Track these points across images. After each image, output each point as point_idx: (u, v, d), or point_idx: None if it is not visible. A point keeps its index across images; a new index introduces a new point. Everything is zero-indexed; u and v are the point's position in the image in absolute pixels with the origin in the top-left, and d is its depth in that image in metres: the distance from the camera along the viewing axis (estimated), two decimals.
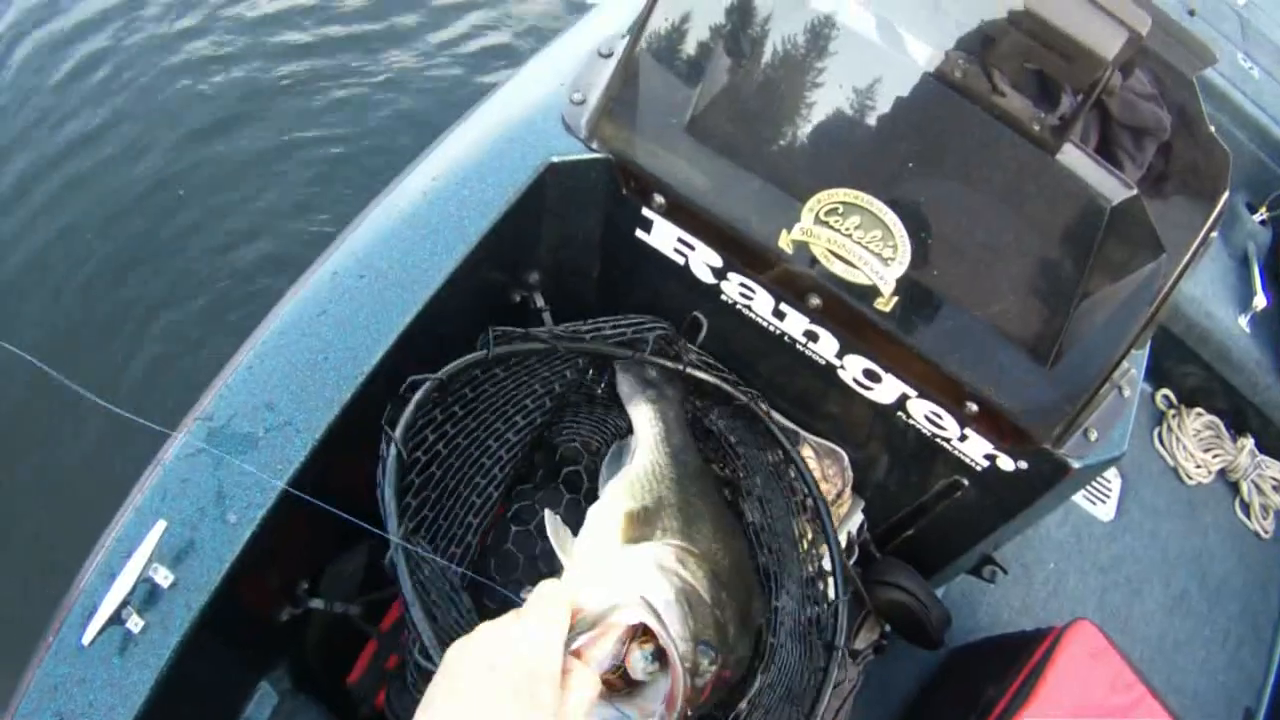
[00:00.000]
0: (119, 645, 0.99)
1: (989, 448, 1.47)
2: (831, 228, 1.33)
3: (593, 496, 1.32)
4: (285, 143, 4.00)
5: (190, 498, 1.06)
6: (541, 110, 1.49)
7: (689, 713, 0.92)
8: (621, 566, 1.00)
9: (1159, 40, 1.38)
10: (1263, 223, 3.47)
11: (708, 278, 1.49)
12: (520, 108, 1.51)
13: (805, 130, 1.40)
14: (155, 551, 1.02)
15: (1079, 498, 2.98)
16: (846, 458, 1.69)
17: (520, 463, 1.38)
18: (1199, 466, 3.21)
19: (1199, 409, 3.33)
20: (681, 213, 1.42)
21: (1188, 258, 1.24)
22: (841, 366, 1.49)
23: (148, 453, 1.11)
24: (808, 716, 1.21)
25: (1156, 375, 3.39)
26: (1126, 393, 1.54)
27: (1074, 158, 1.34)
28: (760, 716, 1.16)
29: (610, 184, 1.46)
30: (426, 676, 0.97)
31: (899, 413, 1.51)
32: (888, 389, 1.47)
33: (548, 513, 1.05)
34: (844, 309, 1.38)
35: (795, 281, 1.39)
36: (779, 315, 1.47)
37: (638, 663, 0.88)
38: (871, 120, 1.39)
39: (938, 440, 1.52)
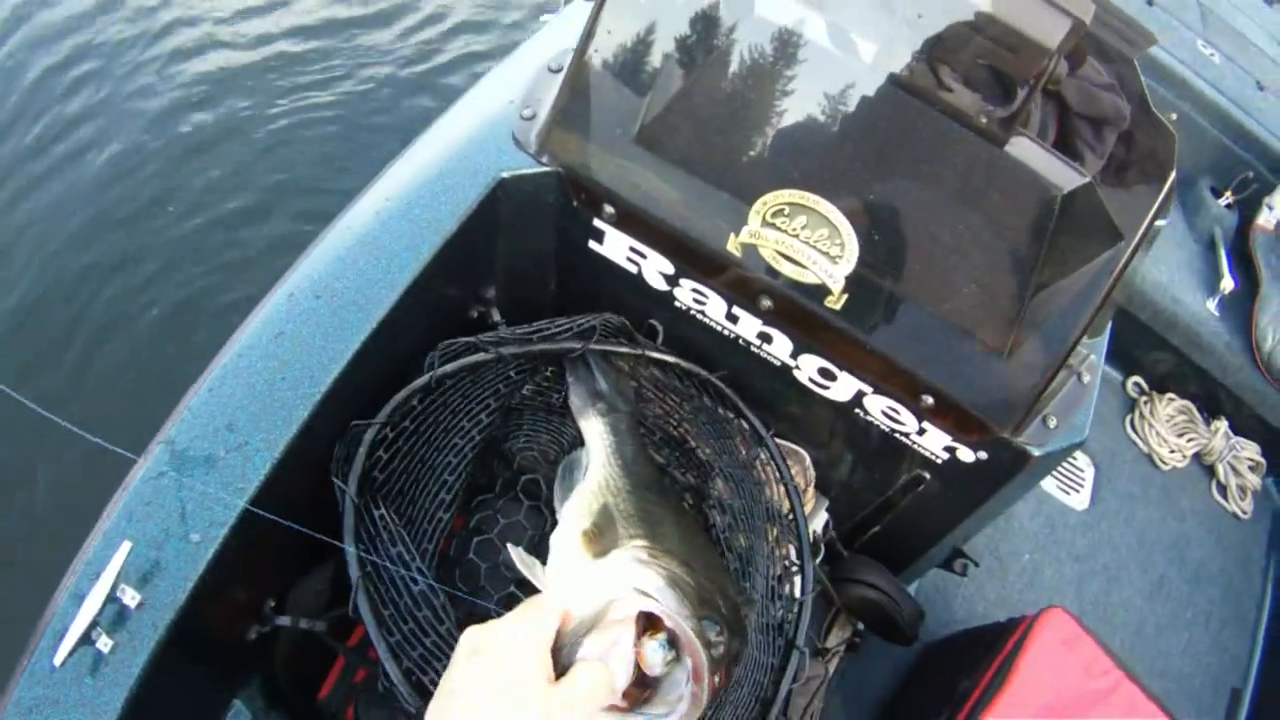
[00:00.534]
0: (90, 666, 1.00)
1: (948, 440, 1.49)
2: (779, 229, 1.35)
3: (551, 506, 1.33)
4: (263, 152, 4.09)
5: (154, 519, 1.07)
6: (492, 127, 1.51)
7: (716, 687, 0.91)
8: (602, 571, 1.01)
9: (1101, 26, 1.40)
10: (1228, 206, 3.51)
11: (661, 285, 1.50)
12: (471, 125, 1.52)
13: (752, 134, 1.41)
14: (122, 572, 1.02)
15: (1052, 488, 3.00)
16: (808, 457, 1.70)
17: (480, 473, 1.40)
18: (1173, 451, 3.23)
19: (1171, 394, 3.36)
20: (631, 222, 1.44)
21: (1136, 241, 1.26)
22: (797, 367, 1.51)
23: (118, 475, 1.13)
24: (764, 713, 1.22)
25: (1126, 363, 3.42)
26: (1086, 379, 1.55)
27: (1023, 149, 1.36)
28: (729, 713, 1.17)
29: (561, 197, 1.48)
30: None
31: (856, 410, 1.53)
32: (844, 387, 1.49)
33: (511, 546, 1.04)
34: (795, 309, 1.40)
35: (746, 284, 1.41)
36: (732, 319, 1.49)
37: (654, 655, 0.87)
38: (818, 121, 1.40)
39: (897, 435, 1.54)
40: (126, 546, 1.04)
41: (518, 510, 1.37)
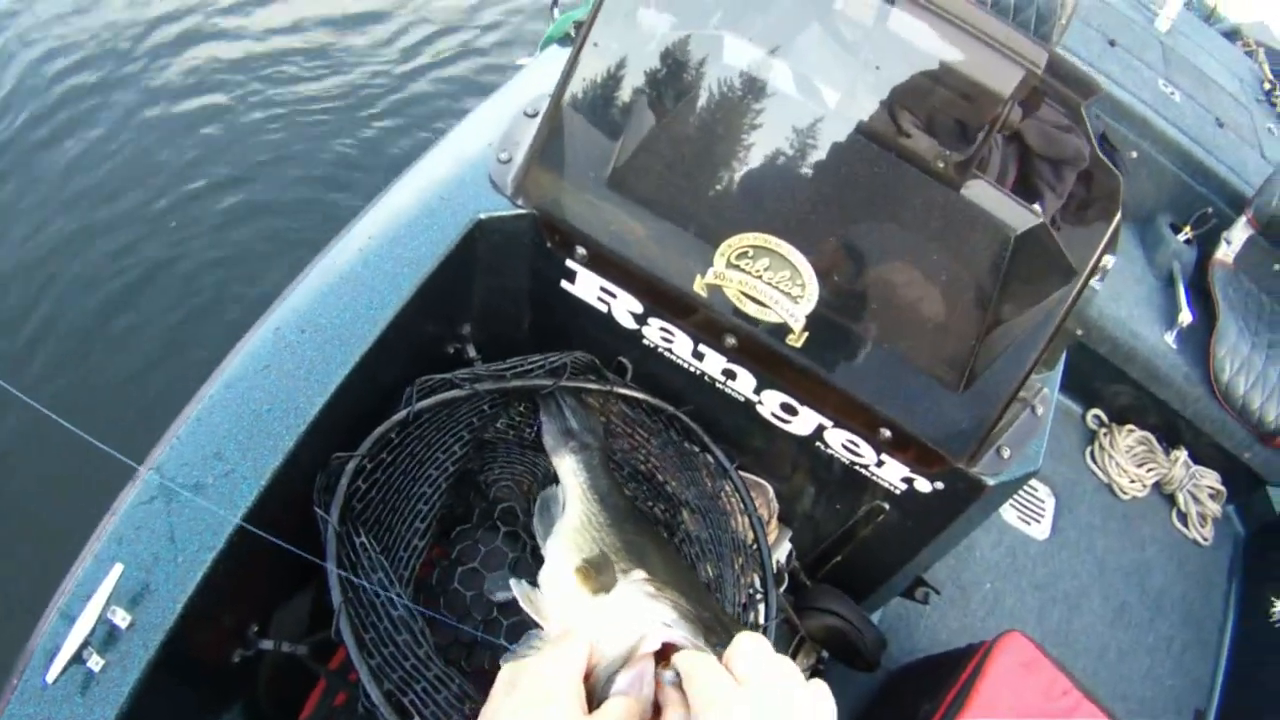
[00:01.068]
0: (80, 684, 1.03)
1: (906, 471, 1.54)
2: (743, 270, 1.40)
3: (528, 531, 1.40)
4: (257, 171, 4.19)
5: (145, 543, 1.11)
6: (470, 169, 1.56)
7: None
8: (618, 606, 1.02)
9: (1052, 73, 1.46)
10: (1187, 242, 3.59)
11: (630, 324, 1.56)
12: (450, 167, 1.57)
13: (718, 179, 1.46)
14: (113, 594, 1.06)
15: (1012, 518, 3.06)
16: (771, 490, 1.75)
17: (458, 503, 1.44)
18: (1133, 481, 3.30)
19: (1130, 426, 3.43)
20: (602, 263, 1.49)
21: (1083, 279, 1.31)
22: (760, 402, 1.56)
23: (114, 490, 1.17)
24: None
25: (1086, 395, 3.48)
26: (1040, 410, 1.61)
27: (978, 191, 1.41)
28: None
29: (536, 238, 1.53)
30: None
31: (817, 443, 1.58)
32: (805, 421, 1.55)
33: (514, 581, 1.07)
34: (758, 347, 1.45)
35: (711, 323, 1.46)
36: (698, 356, 1.54)
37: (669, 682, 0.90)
38: (781, 166, 1.45)
39: (857, 467, 1.59)
40: (118, 569, 1.08)
41: (495, 538, 1.41)
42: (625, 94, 1.48)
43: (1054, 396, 1.65)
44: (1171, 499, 3.41)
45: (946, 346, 1.44)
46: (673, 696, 0.83)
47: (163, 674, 1.08)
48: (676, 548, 1.46)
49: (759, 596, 1.44)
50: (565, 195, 1.50)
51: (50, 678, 1.01)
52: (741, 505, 1.52)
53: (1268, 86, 4.63)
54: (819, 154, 1.44)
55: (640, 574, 1.09)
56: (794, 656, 1.85)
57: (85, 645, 1.03)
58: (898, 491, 1.60)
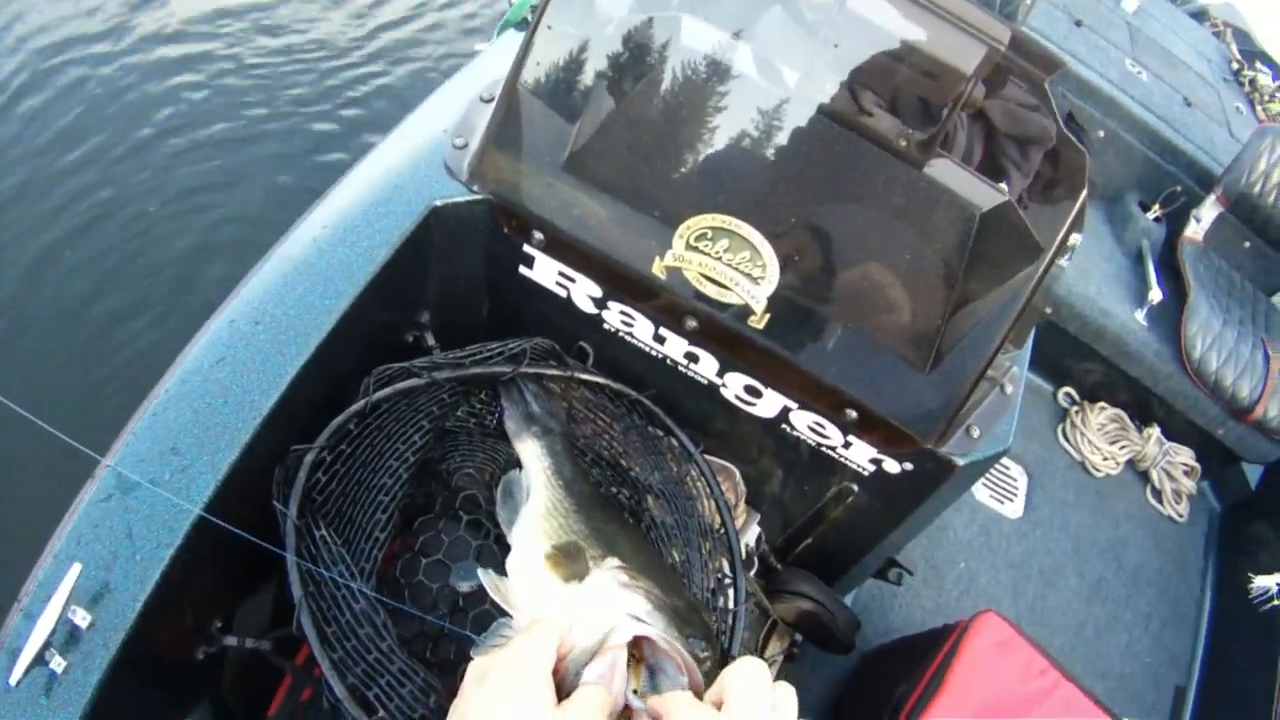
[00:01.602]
0: (44, 686, 1.01)
1: (874, 452, 1.53)
2: (702, 252, 1.39)
3: (491, 519, 1.38)
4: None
5: (103, 541, 1.09)
6: (425, 155, 1.54)
7: None
8: (590, 596, 1.02)
9: (1015, 50, 1.45)
10: (1156, 220, 3.61)
11: (589, 308, 1.54)
12: (404, 154, 1.56)
13: (675, 160, 1.45)
14: (72, 594, 1.05)
15: (985, 497, 3.06)
16: (738, 473, 1.74)
17: (419, 494, 1.43)
18: (1106, 459, 3.32)
19: (1102, 403, 3.45)
20: (560, 247, 1.48)
21: (1049, 256, 1.31)
22: (723, 385, 1.55)
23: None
24: None
25: (1057, 374, 3.50)
26: (1009, 389, 1.60)
27: (942, 169, 1.39)
28: None
29: (492, 223, 1.51)
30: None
31: (783, 425, 1.57)
32: (769, 403, 1.53)
33: (481, 571, 1.07)
34: (719, 329, 1.44)
35: (671, 306, 1.45)
36: (659, 340, 1.53)
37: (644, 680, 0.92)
38: (740, 146, 1.44)
39: (824, 449, 1.58)
40: (76, 568, 1.06)
41: (458, 527, 1.40)
42: (582, 77, 1.46)
43: (1023, 375, 1.65)
44: (1145, 476, 3.43)
45: (912, 326, 1.43)
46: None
47: (125, 673, 1.07)
48: (644, 534, 1.45)
49: (728, 581, 1.43)
50: (521, 180, 1.48)
51: (13, 680, 1.00)
52: (707, 489, 1.51)
53: (1235, 66, 4.65)
54: (779, 134, 1.43)
55: (614, 562, 1.08)
56: (766, 641, 1.84)
57: (47, 646, 1.02)
58: (866, 473, 1.59)
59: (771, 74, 1.47)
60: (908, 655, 2.00)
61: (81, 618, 1.04)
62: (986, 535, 2.97)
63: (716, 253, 1.39)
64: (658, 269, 1.41)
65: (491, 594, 1.04)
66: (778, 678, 0.82)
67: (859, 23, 1.41)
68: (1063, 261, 1.43)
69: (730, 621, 1.37)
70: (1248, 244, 3.59)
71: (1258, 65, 4.63)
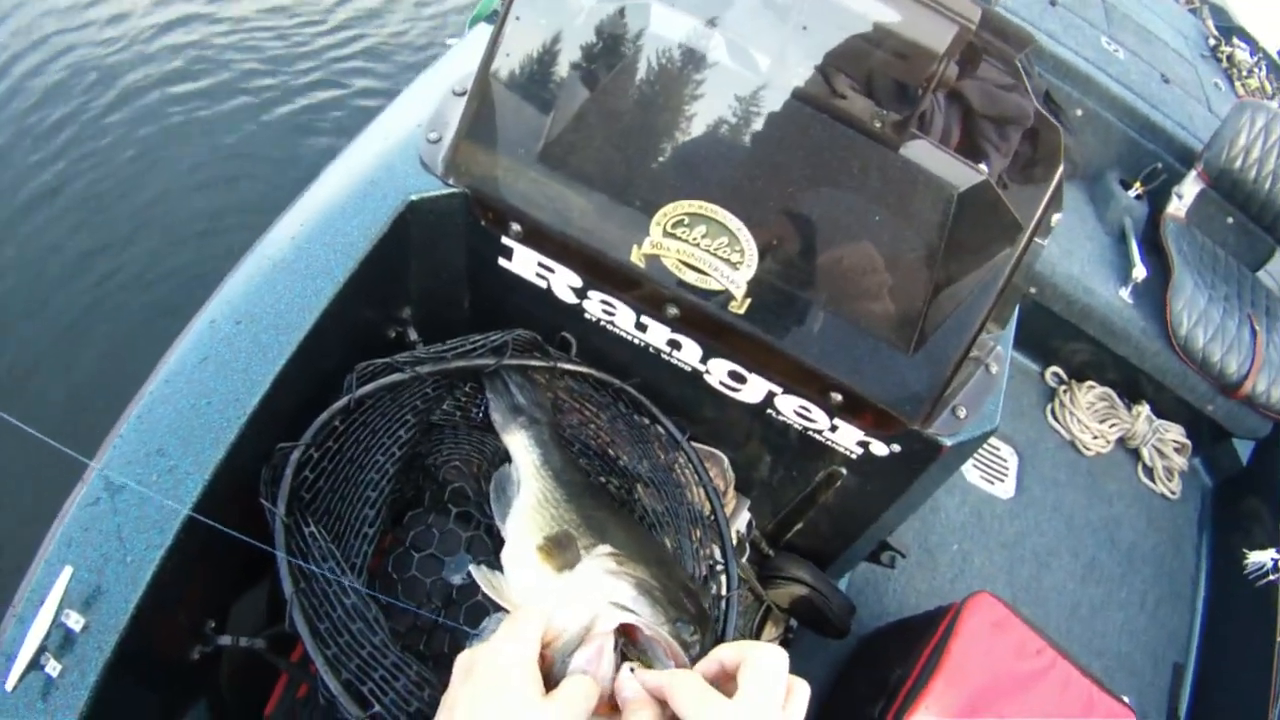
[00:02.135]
0: (41, 690, 1.01)
1: (861, 435, 1.53)
2: (680, 239, 1.38)
3: (481, 511, 1.39)
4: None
5: (93, 544, 1.09)
6: (400, 151, 1.54)
7: None
8: (577, 585, 1.03)
9: (985, 28, 1.45)
10: (1138, 198, 3.61)
11: (570, 298, 1.54)
12: (379, 150, 1.55)
13: (650, 148, 1.44)
14: (65, 597, 1.05)
15: (975, 478, 3.06)
16: (726, 459, 1.74)
17: (407, 488, 1.43)
18: (1096, 437, 3.32)
19: (1090, 382, 3.45)
20: (538, 238, 1.47)
21: (1028, 234, 1.31)
22: (707, 371, 1.55)
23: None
24: None
25: (1043, 354, 3.50)
26: (994, 369, 1.60)
27: (918, 150, 1.38)
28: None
29: (469, 216, 1.51)
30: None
31: (769, 410, 1.56)
32: (754, 388, 1.53)
33: (473, 567, 1.08)
34: (701, 315, 1.44)
35: (652, 294, 1.45)
36: (641, 328, 1.52)
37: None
38: (714, 132, 1.43)
39: (810, 433, 1.58)
40: (68, 572, 1.06)
41: (447, 520, 1.40)
42: (553, 67, 1.46)
43: (1008, 355, 1.65)
44: (1136, 454, 3.43)
45: (894, 308, 1.43)
46: (632, 695, 0.84)
47: (121, 675, 1.06)
48: (636, 519, 1.45)
49: (719, 568, 1.43)
50: (496, 172, 1.48)
51: (9, 685, 1.00)
52: (696, 477, 1.51)
53: (1213, 42, 4.66)
54: (753, 119, 1.43)
55: (605, 549, 1.09)
56: (761, 626, 1.84)
57: (42, 650, 1.02)
58: (854, 456, 1.59)
59: (744, 59, 1.46)
60: (903, 638, 2.00)
61: (75, 621, 1.04)
62: (979, 517, 2.97)
63: (694, 239, 1.38)
64: (636, 257, 1.41)
65: (485, 590, 1.04)
66: None
67: (829, 5, 1.41)
68: (1043, 240, 1.43)
69: (724, 608, 1.37)
70: (1230, 219, 3.59)
71: (1235, 41, 4.63)
